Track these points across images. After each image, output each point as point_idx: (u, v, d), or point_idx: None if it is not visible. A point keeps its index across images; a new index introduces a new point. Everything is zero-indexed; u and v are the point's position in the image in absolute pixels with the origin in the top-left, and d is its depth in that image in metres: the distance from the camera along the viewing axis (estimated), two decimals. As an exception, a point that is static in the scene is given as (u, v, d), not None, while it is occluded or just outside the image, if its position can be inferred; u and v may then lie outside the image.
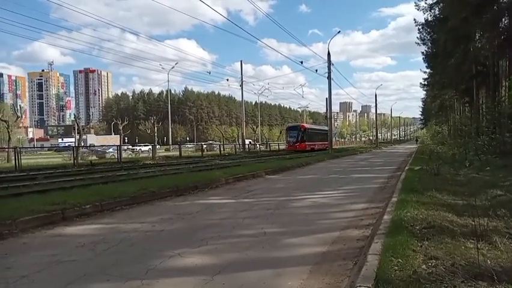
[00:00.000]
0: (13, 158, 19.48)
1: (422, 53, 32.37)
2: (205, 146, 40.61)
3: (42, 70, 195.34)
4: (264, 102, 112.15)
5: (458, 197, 6.75)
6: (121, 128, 54.14)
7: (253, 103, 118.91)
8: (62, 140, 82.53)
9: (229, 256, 4.18)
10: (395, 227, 4.58)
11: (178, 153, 30.72)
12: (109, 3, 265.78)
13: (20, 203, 6.50)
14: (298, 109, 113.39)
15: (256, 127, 78.10)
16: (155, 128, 67.08)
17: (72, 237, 5.08)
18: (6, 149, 25.31)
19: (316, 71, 34.61)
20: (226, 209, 7.23)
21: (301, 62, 36.12)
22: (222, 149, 35.64)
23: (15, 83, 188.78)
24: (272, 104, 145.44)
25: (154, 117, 72.42)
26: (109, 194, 7.59)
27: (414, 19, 28.29)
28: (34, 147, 55.44)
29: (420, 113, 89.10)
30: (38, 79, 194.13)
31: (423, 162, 14.46)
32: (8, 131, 28.90)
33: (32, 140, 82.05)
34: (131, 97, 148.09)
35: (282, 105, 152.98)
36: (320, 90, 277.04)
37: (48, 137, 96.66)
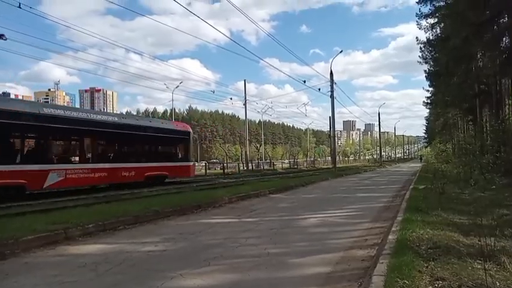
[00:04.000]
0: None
1: (425, 71, 32.68)
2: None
3: (49, 89, 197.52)
4: (267, 120, 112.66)
5: (464, 216, 6.68)
6: (125, 147, 54.34)
7: (257, 122, 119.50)
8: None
9: (232, 277, 4.12)
10: (400, 247, 4.52)
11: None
12: (114, 24, 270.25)
13: (23, 222, 6.47)
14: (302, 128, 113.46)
15: (260, 146, 78.18)
16: (160, 147, 67.12)
17: (74, 257, 5.04)
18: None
19: (319, 89, 34.82)
20: (230, 228, 7.17)
21: (304, 81, 36.67)
22: (225, 168, 35.55)
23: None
24: (275, 123, 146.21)
25: (158, 136, 72.53)
26: (112, 213, 7.56)
27: (417, 37, 28.44)
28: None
29: (424, 131, 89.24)
30: (45, 98, 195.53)
31: (428, 181, 14.33)
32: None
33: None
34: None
35: (286, 123, 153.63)
36: (322, 108, 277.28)
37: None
